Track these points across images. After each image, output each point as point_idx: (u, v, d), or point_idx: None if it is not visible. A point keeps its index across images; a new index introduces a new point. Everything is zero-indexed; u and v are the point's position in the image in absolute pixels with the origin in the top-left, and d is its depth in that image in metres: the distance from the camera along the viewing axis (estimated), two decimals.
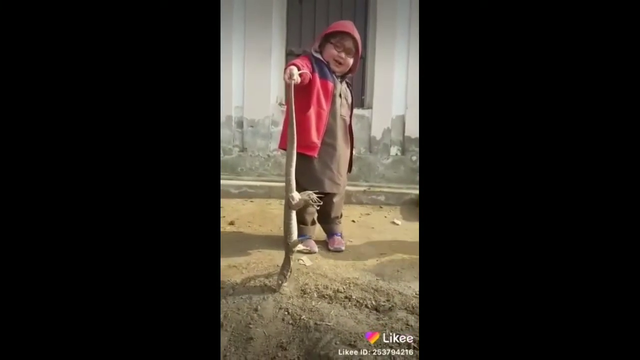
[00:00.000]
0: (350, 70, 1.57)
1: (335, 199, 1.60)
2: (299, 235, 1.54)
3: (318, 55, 1.51)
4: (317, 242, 1.62)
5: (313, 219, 1.63)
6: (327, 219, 1.63)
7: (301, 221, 1.57)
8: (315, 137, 1.48)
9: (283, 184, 2.85)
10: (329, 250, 1.57)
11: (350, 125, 1.63)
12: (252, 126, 2.96)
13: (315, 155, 1.50)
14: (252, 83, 2.89)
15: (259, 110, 2.95)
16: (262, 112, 2.95)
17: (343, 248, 1.57)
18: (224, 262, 1.38)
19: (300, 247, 1.45)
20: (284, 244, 1.23)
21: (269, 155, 2.97)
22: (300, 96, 1.40)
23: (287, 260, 1.21)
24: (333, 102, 1.52)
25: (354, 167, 1.73)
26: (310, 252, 1.51)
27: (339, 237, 1.62)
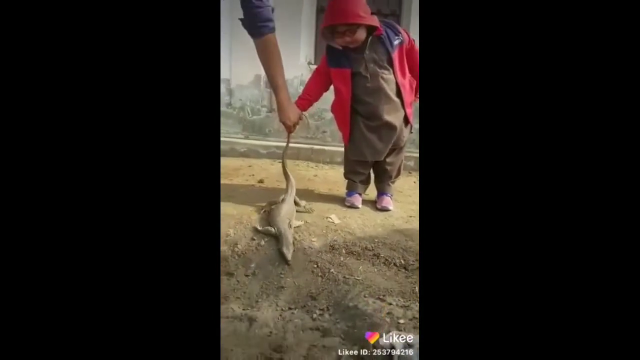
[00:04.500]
0: (373, 30, 1.43)
1: (388, 159, 1.62)
2: (349, 190, 1.68)
3: (332, 44, 1.47)
4: (365, 201, 1.66)
5: (364, 179, 1.68)
6: (379, 178, 1.69)
7: (352, 178, 1.67)
8: (343, 128, 1.59)
9: (310, 146, 2.82)
10: (377, 209, 1.60)
11: (398, 80, 1.48)
12: None
13: (347, 144, 1.62)
14: (281, 42, 2.82)
15: (287, 70, 2.88)
16: (291, 71, 2.89)
17: (390, 208, 1.60)
18: (256, 211, 1.41)
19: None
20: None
21: None
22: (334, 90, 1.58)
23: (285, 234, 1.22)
24: (357, 80, 1.47)
25: None
26: (352, 207, 1.59)
27: (388, 197, 1.65)
